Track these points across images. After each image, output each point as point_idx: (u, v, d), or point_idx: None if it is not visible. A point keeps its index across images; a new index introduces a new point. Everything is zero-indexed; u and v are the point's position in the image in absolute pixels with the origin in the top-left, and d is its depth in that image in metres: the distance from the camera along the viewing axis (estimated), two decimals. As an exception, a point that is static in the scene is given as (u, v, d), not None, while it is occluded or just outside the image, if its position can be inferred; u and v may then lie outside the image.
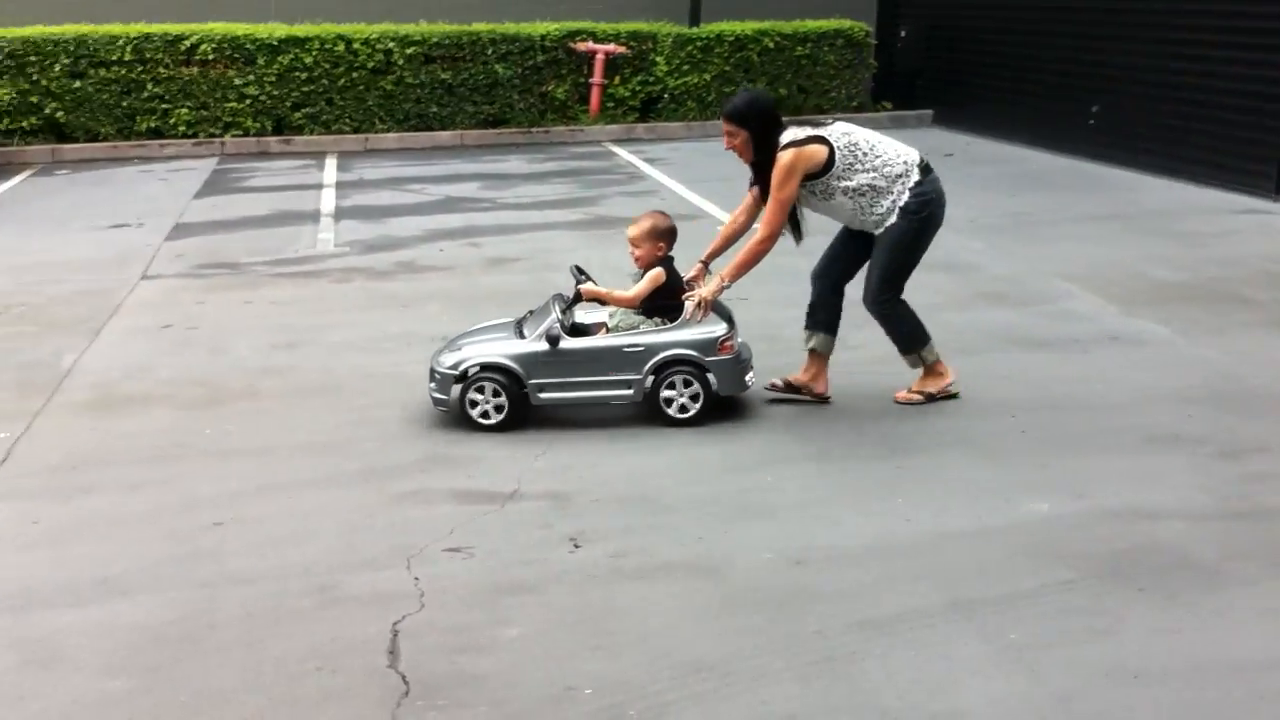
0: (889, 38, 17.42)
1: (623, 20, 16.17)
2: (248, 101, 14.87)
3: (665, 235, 5.74)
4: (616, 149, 14.87)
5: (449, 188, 12.42)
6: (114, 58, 14.56)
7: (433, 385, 5.80)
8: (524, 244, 9.83)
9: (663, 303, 5.74)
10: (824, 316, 5.98)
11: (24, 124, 14.54)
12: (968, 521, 4.80)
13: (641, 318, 5.75)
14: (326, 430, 5.91)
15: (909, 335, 5.90)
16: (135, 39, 14.59)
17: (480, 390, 5.65)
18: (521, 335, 5.77)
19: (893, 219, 5.64)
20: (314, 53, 14.92)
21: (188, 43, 14.67)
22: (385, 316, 7.84)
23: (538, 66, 15.54)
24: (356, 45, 15.02)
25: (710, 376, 5.64)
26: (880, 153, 5.64)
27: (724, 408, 5.92)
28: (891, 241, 5.66)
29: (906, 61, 17.21)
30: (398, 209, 11.39)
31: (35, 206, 11.77)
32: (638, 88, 15.90)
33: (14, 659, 3.96)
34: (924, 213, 5.63)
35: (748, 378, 5.79)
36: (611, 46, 15.54)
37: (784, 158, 5.52)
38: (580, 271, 5.90)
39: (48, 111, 14.55)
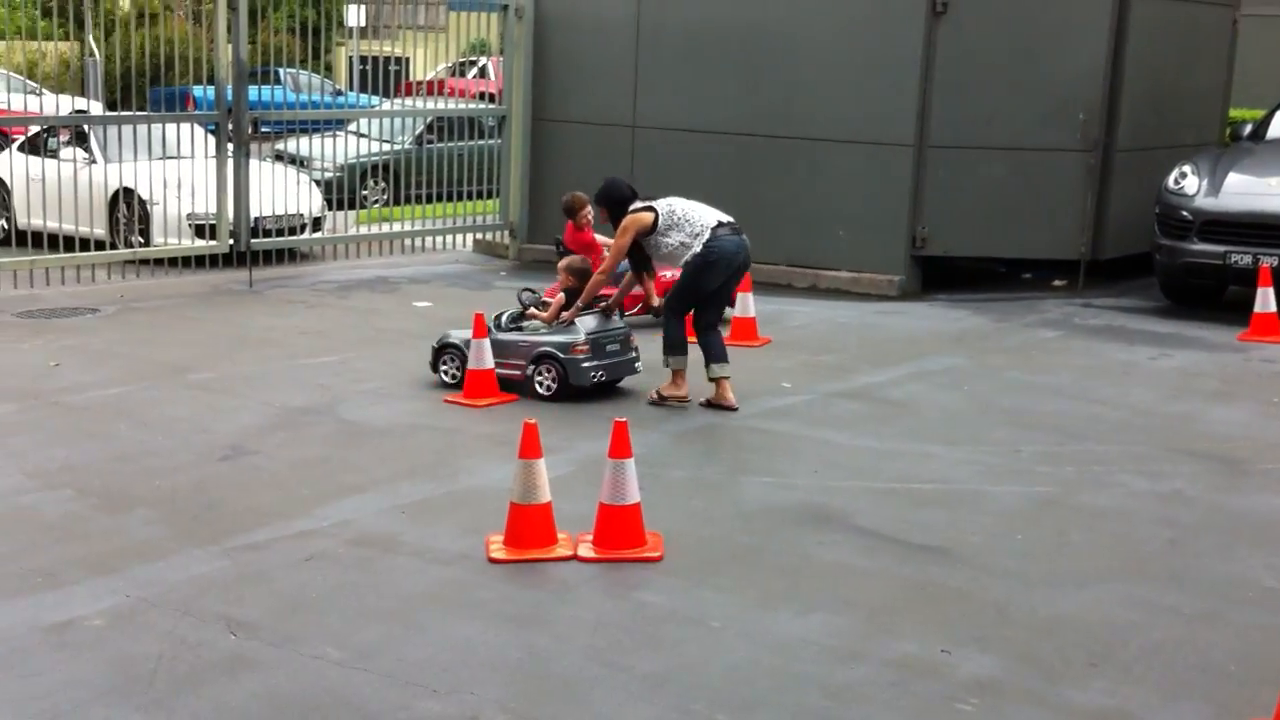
0: None
1: None
2: None
3: (569, 271, 8.26)
4: None
5: None
6: None
7: (430, 356, 8.39)
8: None
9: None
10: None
11: None
12: None
13: (542, 325, 8.22)
14: None
15: (670, 343, 7.95)
16: None
17: (449, 360, 8.22)
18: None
19: (692, 259, 7.83)
20: None
21: None
22: None
23: None
24: None
25: (563, 369, 7.96)
26: (690, 219, 7.83)
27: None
28: (685, 269, 7.88)
29: None
30: None
31: None
32: None
33: None
34: (710, 257, 7.76)
35: (593, 375, 8.00)
36: None
37: (624, 221, 7.86)
38: (532, 292, 8.48)
39: None
